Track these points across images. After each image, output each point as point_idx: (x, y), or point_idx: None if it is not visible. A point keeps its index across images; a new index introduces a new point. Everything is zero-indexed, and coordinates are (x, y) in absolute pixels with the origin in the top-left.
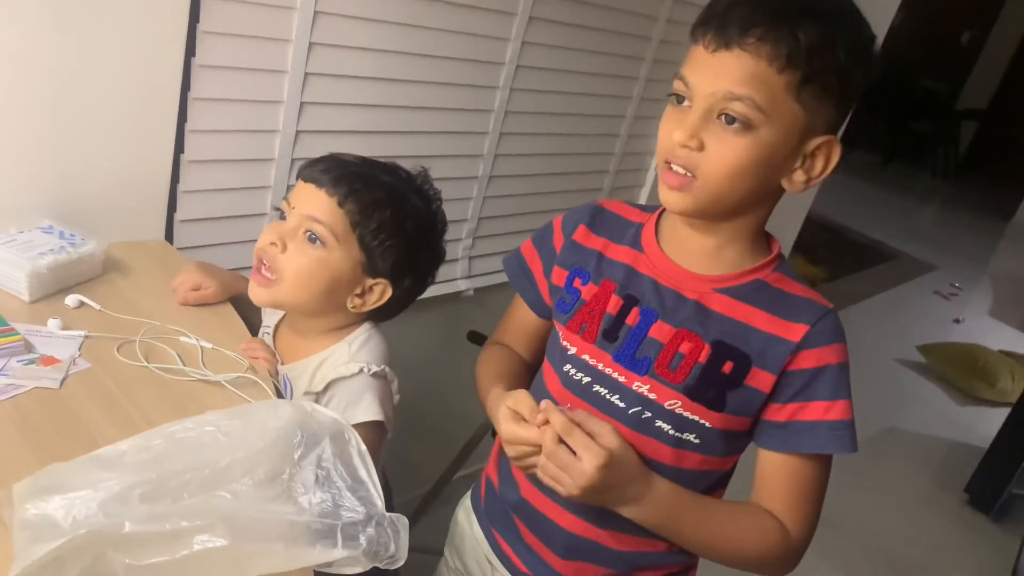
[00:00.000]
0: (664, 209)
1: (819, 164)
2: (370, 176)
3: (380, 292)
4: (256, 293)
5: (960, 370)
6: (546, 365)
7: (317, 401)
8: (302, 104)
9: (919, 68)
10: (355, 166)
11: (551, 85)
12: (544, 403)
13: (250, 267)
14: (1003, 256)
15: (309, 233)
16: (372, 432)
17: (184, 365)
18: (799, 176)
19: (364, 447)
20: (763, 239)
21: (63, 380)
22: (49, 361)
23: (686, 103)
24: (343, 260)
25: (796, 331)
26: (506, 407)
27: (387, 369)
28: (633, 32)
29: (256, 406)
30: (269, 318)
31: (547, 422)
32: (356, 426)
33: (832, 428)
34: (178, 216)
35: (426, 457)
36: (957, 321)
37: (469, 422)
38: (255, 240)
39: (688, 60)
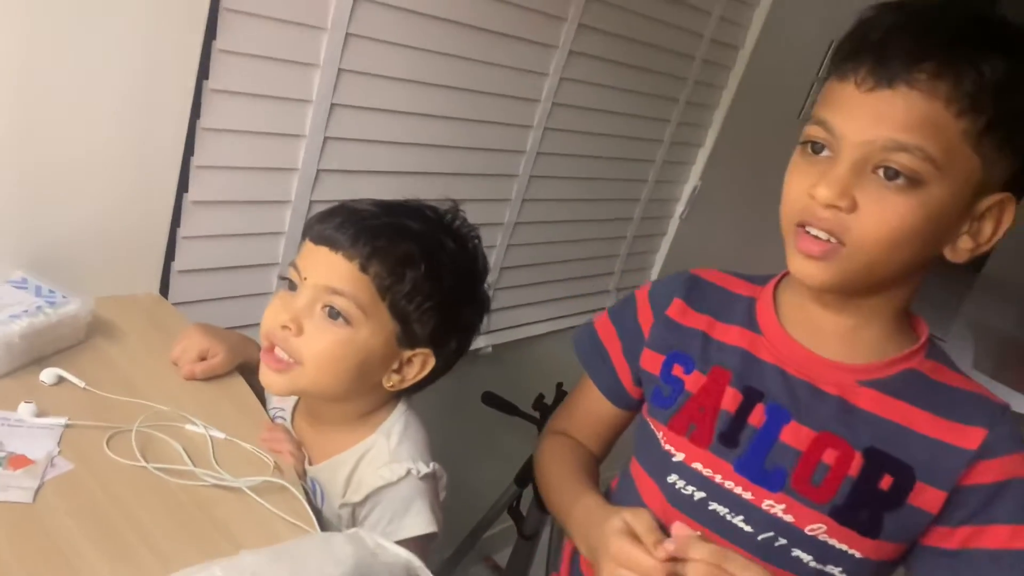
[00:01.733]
0: (779, 280)
1: (988, 228)
2: (395, 227)
3: (421, 363)
4: (271, 380)
5: None
6: (636, 471)
7: (355, 514)
8: (325, 139)
9: None
10: (374, 216)
11: (585, 125)
12: (677, 528)
13: (254, 324)
14: (976, 306)
15: (328, 308)
16: (422, 546)
17: (193, 464)
18: (965, 243)
19: None
20: (907, 318)
21: (37, 490)
22: (19, 462)
23: (826, 153)
24: (374, 335)
25: (972, 436)
26: (623, 520)
27: (435, 466)
28: (669, 72)
29: (305, 544)
30: (282, 399)
31: (671, 555)
32: (404, 542)
33: (1020, 559)
34: (176, 265)
35: None
36: None
37: (479, 498)
38: (262, 294)
39: (829, 100)
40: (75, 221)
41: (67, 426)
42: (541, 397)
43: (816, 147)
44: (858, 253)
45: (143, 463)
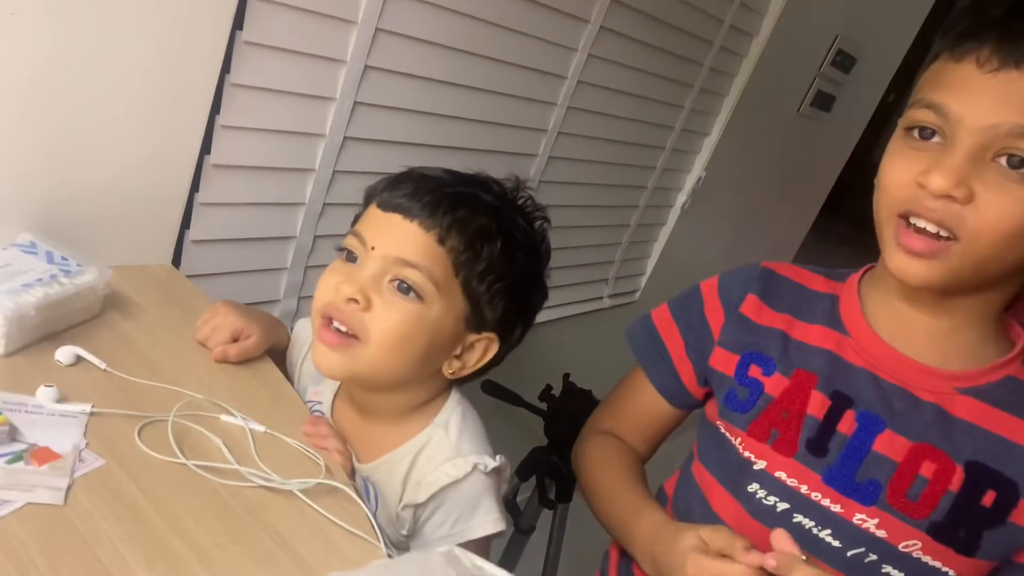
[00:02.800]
0: (863, 275)
1: None
2: (472, 197)
3: (484, 349)
4: (328, 361)
5: None
6: (703, 476)
7: (416, 516)
8: (355, 104)
9: None
10: (448, 184)
11: (607, 107)
12: (779, 539)
13: (266, 302)
14: None
15: (399, 282)
16: (486, 546)
17: (235, 461)
18: None
19: None
20: (1003, 321)
21: (68, 489)
22: (44, 456)
23: (936, 139)
24: (445, 314)
25: None
26: (698, 537)
27: (502, 459)
28: (688, 56)
29: (401, 565)
30: (318, 386)
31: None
32: (474, 543)
33: None
34: (190, 234)
35: None
36: None
37: None
38: (277, 269)
39: (943, 81)
40: (88, 181)
41: (92, 414)
42: (549, 388)
43: (925, 132)
44: (972, 248)
45: (182, 459)
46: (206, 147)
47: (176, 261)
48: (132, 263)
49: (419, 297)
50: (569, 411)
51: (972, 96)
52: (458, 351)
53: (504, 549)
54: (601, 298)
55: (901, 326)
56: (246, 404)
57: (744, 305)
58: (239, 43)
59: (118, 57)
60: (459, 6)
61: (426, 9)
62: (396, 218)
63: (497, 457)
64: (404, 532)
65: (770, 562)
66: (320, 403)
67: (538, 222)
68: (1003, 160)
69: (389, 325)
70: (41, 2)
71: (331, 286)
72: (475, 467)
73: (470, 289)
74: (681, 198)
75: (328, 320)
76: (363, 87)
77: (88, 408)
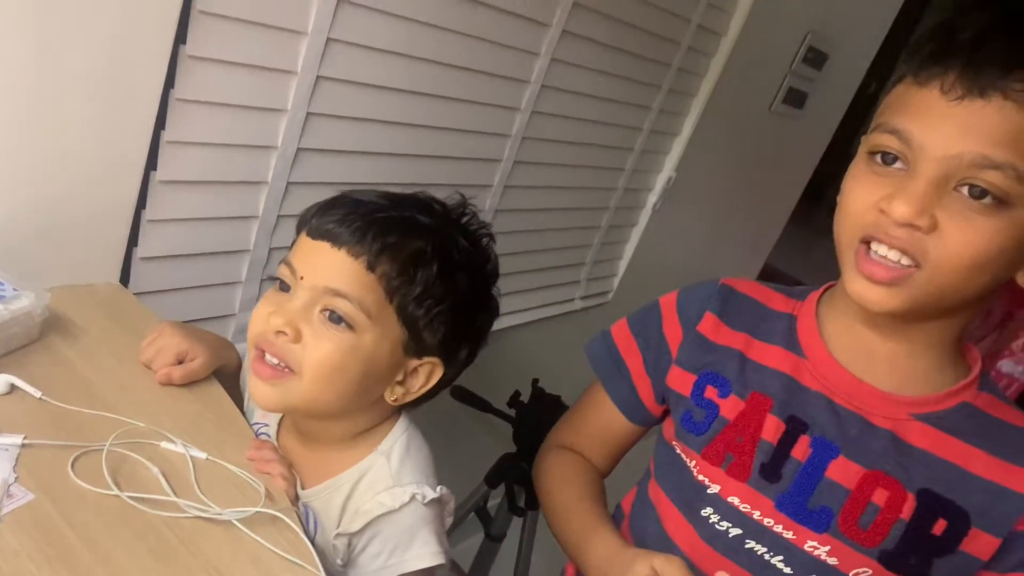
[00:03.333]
0: (822, 294)
1: None
2: (405, 221)
3: (428, 374)
4: (262, 393)
5: None
6: (659, 498)
7: (351, 544)
8: (308, 115)
9: None
10: (381, 209)
11: (573, 110)
12: None
13: (220, 317)
14: None
15: (329, 312)
16: None
17: (173, 490)
18: None
19: None
20: (961, 346)
21: None
22: None
23: (898, 164)
24: (379, 342)
25: None
26: (651, 568)
27: (442, 491)
28: (654, 57)
29: None
30: (265, 413)
31: None
32: (409, 575)
33: None
34: (139, 251)
35: None
36: None
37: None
38: (231, 283)
39: (906, 107)
40: (29, 201)
41: (24, 445)
42: (517, 394)
43: (887, 158)
44: (935, 277)
45: (116, 491)
46: (152, 163)
47: (125, 279)
48: (78, 282)
49: (350, 327)
50: (537, 417)
51: (936, 124)
52: (400, 377)
53: (475, 556)
54: (573, 300)
55: (859, 350)
56: (189, 430)
57: (702, 323)
58: (183, 57)
59: (57, 75)
60: (414, 14)
61: (380, 17)
62: (325, 246)
63: (438, 488)
64: (340, 561)
65: None
66: (267, 425)
67: (484, 240)
68: (965, 190)
69: (320, 357)
70: None
71: (262, 317)
72: (413, 497)
73: (406, 315)
74: (652, 198)
75: (261, 352)
76: (316, 98)
77: (19, 440)
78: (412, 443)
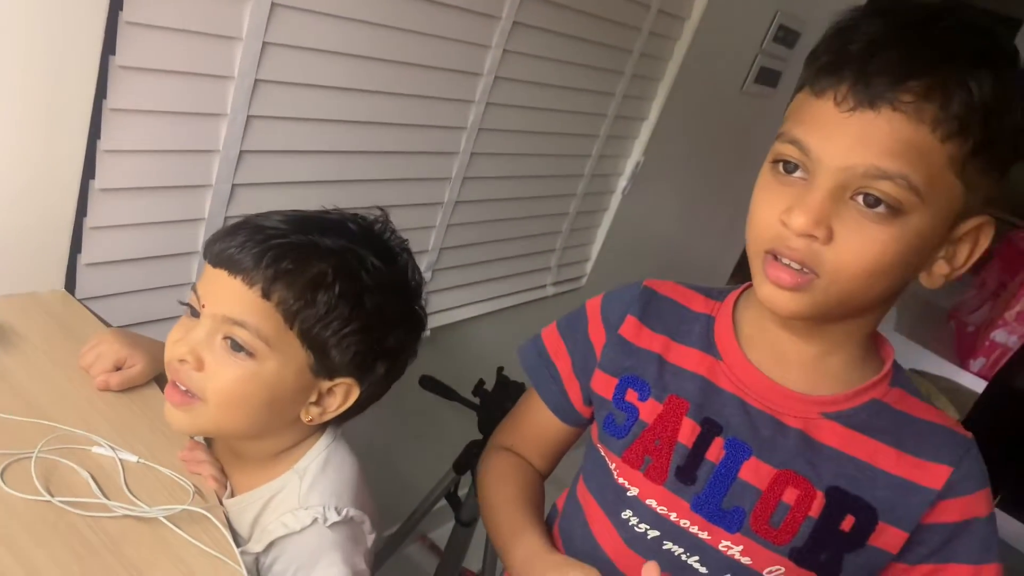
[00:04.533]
0: (738, 296)
1: (964, 251)
2: (304, 246)
3: (344, 394)
4: (173, 418)
5: None
6: (586, 499)
7: (258, 563)
8: (249, 118)
9: None
10: (281, 234)
11: (530, 100)
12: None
13: (174, 317)
14: None
15: (230, 340)
16: None
17: (102, 493)
18: (941, 268)
19: None
20: (874, 341)
21: None
22: None
23: (799, 174)
24: (283, 368)
25: (936, 474)
26: None
27: (352, 512)
28: (615, 44)
29: None
30: None
31: None
32: None
33: None
34: (83, 258)
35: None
36: None
37: (417, 483)
38: (181, 284)
39: (804, 117)
40: None
41: None
42: (481, 383)
43: (789, 167)
44: (834, 284)
45: (45, 496)
46: (90, 172)
47: (71, 286)
48: (23, 291)
49: (250, 354)
50: (501, 405)
51: (830, 136)
52: (314, 398)
53: (448, 541)
54: (544, 286)
55: (772, 351)
56: (123, 434)
57: (624, 327)
58: (113, 68)
59: None
60: (356, 13)
61: (317, 19)
62: (223, 274)
63: (345, 511)
64: None
65: None
66: (199, 437)
67: (401, 257)
68: (860, 199)
69: (221, 385)
70: None
71: (170, 344)
72: (315, 520)
73: (310, 338)
74: (622, 183)
75: (175, 377)
76: (256, 100)
77: None
78: (331, 461)
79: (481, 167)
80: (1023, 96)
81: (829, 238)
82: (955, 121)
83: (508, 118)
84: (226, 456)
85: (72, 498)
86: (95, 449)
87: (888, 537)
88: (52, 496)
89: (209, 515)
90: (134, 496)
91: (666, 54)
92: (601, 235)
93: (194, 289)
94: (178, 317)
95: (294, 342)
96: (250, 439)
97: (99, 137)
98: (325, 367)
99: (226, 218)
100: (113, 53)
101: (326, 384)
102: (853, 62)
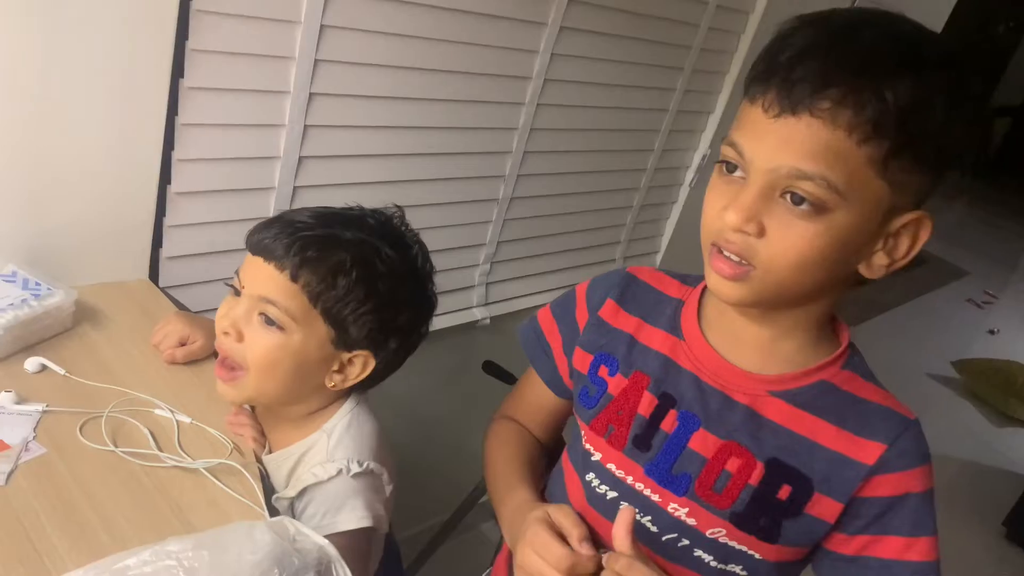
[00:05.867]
0: None
1: (904, 244)
2: (327, 238)
3: (362, 364)
4: (222, 391)
5: (996, 388)
6: (567, 466)
7: (292, 508)
8: (306, 127)
9: None
10: (308, 227)
11: (581, 99)
12: (623, 513)
13: None
14: None
15: (264, 316)
16: (359, 539)
17: (157, 447)
18: (880, 260)
19: None
20: (829, 326)
21: (10, 474)
22: None
23: (739, 173)
24: (307, 341)
25: (870, 451)
26: (545, 512)
27: (372, 465)
28: (671, 41)
29: (229, 532)
30: None
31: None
32: (340, 535)
33: (914, 571)
34: (164, 252)
35: (432, 496)
36: (992, 332)
37: (478, 463)
38: None
39: (741, 122)
40: (64, 215)
41: (45, 412)
42: None
43: (730, 167)
44: (768, 275)
45: (111, 447)
46: (167, 178)
47: (155, 276)
48: (114, 280)
49: (280, 328)
50: None
51: (759, 139)
52: (336, 367)
53: None
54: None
55: (729, 334)
56: (182, 400)
57: (603, 309)
58: (183, 89)
59: (74, 112)
60: (410, 29)
61: (366, 36)
62: (259, 260)
63: (367, 463)
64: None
65: (587, 550)
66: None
67: (413, 248)
68: (788, 197)
69: (258, 353)
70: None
71: (217, 318)
72: (340, 471)
73: (331, 315)
74: (689, 175)
75: (224, 357)
76: (312, 111)
77: (41, 407)
78: (354, 424)
79: (535, 165)
80: (945, 101)
81: (761, 233)
82: (869, 126)
83: (559, 118)
84: (266, 419)
85: (131, 449)
86: (156, 411)
87: (823, 507)
88: (116, 447)
89: (243, 469)
90: (183, 451)
91: (730, 48)
92: (670, 227)
93: (237, 273)
94: None
95: (317, 319)
96: (285, 403)
97: (173, 148)
98: (344, 341)
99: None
100: (182, 76)
101: (346, 355)
102: (780, 71)
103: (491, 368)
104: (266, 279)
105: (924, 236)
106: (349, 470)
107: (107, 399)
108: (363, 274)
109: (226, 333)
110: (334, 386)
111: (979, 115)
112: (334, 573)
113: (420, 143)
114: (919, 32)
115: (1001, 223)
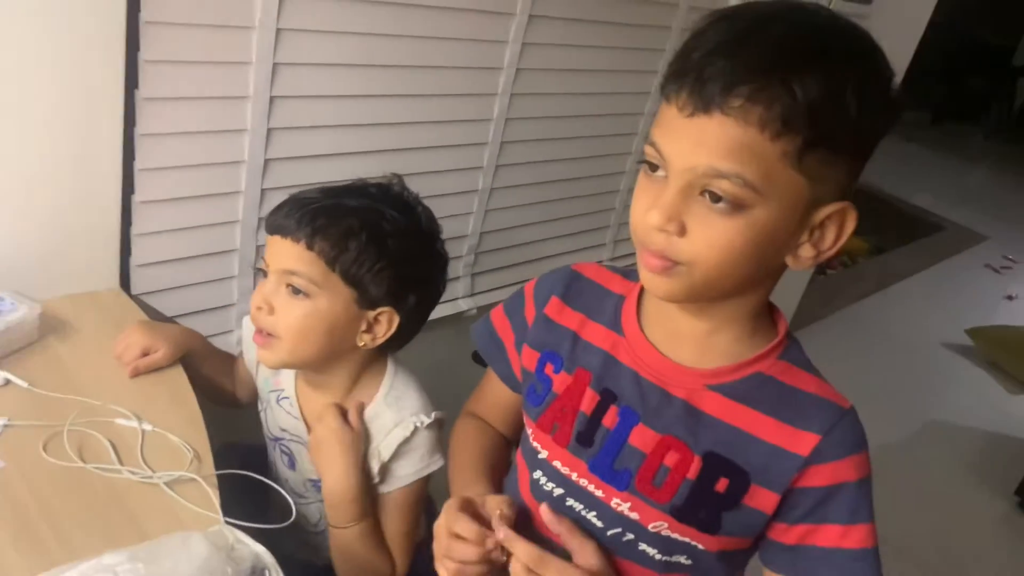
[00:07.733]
0: None
1: (830, 235)
2: (335, 207)
3: (388, 321)
4: (261, 356)
5: (1014, 355)
6: (520, 462)
7: (383, 468)
8: (269, 130)
9: (974, 20)
10: (316, 201)
11: (557, 87)
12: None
13: (221, 307)
14: None
15: (290, 287)
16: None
17: (118, 459)
18: (806, 251)
19: None
20: (766, 317)
21: None
22: None
23: (660, 173)
24: (333, 303)
25: (805, 442)
26: (479, 496)
27: (437, 414)
28: (650, 23)
29: (164, 543)
30: (278, 377)
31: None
32: (424, 479)
33: (852, 558)
34: (134, 260)
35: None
36: (1010, 298)
37: None
38: (224, 278)
39: (659, 121)
40: (27, 229)
41: (6, 426)
42: None
43: (652, 167)
44: (694, 270)
45: (72, 460)
46: (130, 188)
47: (126, 284)
48: (85, 290)
49: (307, 295)
50: None
51: (675, 139)
52: (364, 327)
53: None
54: (601, 262)
55: (667, 329)
56: (146, 407)
57: (548, 306)
58: (139, 100)
59: (28, 128)
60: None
61: (323, 37)
62: (277, 239)
63: (432, 414)
64: (376, 480)
65: (494, 538)
66: (283, 390)
67: (417, 208)
68: (707, 196)
69: (289, 322)
70: None
71: (251, 301)
72: (416, 427)
73: (349, 276)
74: None
75: (260, 328)
76: (274, 114)
77: (3, 421)
78: (398, 382)
79: (513, 155)
80: (857, 93)
81: (683, 231)
82: (779, 122)
83: (535, 107)
84: (313, 395)
85: (93, 464)
86: (119, 420)
87: (761, 499)
88: (77, 459)
89: (199, 479)
90: (144, 461)
91: None
92: None
93: (263, 256)
94: (223, 308)
95: (338, 282)
96: (323, 368)
97: (134, 158)
98: (367, 299)
99: (259, 218)
100: (136, 87)
101: (371, 313)
102: (693, 69)
103: (480, 358)
104: (286, 253)
105: (850, 226)
106: (422, 423)
107: (70, 411)
108: (372, 235)
109: (259, 308)
110: (364, 345)
111: (892, 103)
112: None
113: (391, 138)
114: (833, 23)
115: (1022, 185)
